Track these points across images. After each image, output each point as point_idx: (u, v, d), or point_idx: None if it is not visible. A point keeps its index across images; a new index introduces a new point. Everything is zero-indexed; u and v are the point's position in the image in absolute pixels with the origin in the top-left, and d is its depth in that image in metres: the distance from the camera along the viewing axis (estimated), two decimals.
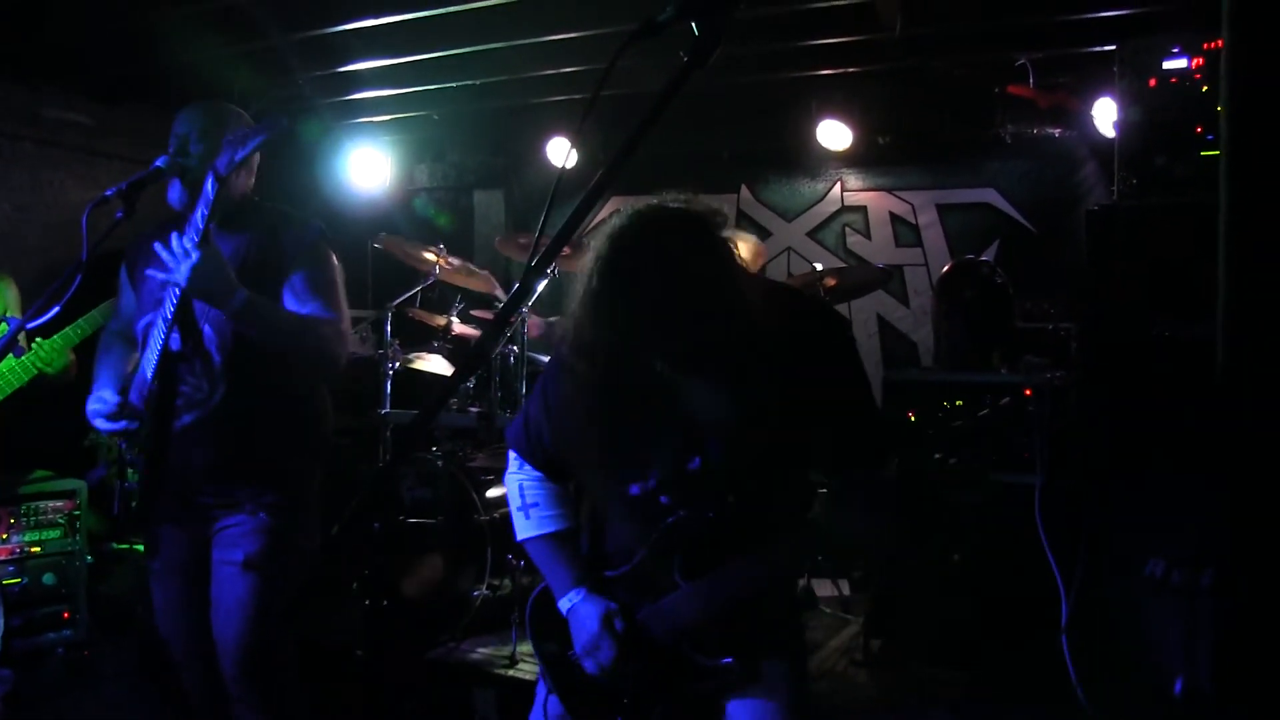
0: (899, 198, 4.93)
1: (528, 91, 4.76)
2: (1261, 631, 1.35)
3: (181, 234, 2.11)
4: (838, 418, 1.65)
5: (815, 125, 4.59)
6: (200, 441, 2.21)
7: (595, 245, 1.55)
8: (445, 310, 4.32)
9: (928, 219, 4.85)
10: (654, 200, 1.59)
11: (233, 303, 2.07)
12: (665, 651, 1.70)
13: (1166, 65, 2.85)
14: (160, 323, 2.17)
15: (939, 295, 3.75)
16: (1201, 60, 2.79)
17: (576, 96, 4.71)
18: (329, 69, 4.46)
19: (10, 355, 3.07)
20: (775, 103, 4.74)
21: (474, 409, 3.97)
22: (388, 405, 3.98)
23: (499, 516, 3.55)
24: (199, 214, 2.07)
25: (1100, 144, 4.13)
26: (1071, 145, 4.42)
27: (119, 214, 2.11)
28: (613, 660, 1.68)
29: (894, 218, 4.94)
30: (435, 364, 4.15)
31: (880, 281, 4.39)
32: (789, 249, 5.17)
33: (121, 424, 2.22)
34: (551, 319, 4.25)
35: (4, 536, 3.42)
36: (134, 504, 2.26)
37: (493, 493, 3.64)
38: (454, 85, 4.60)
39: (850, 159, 4.91)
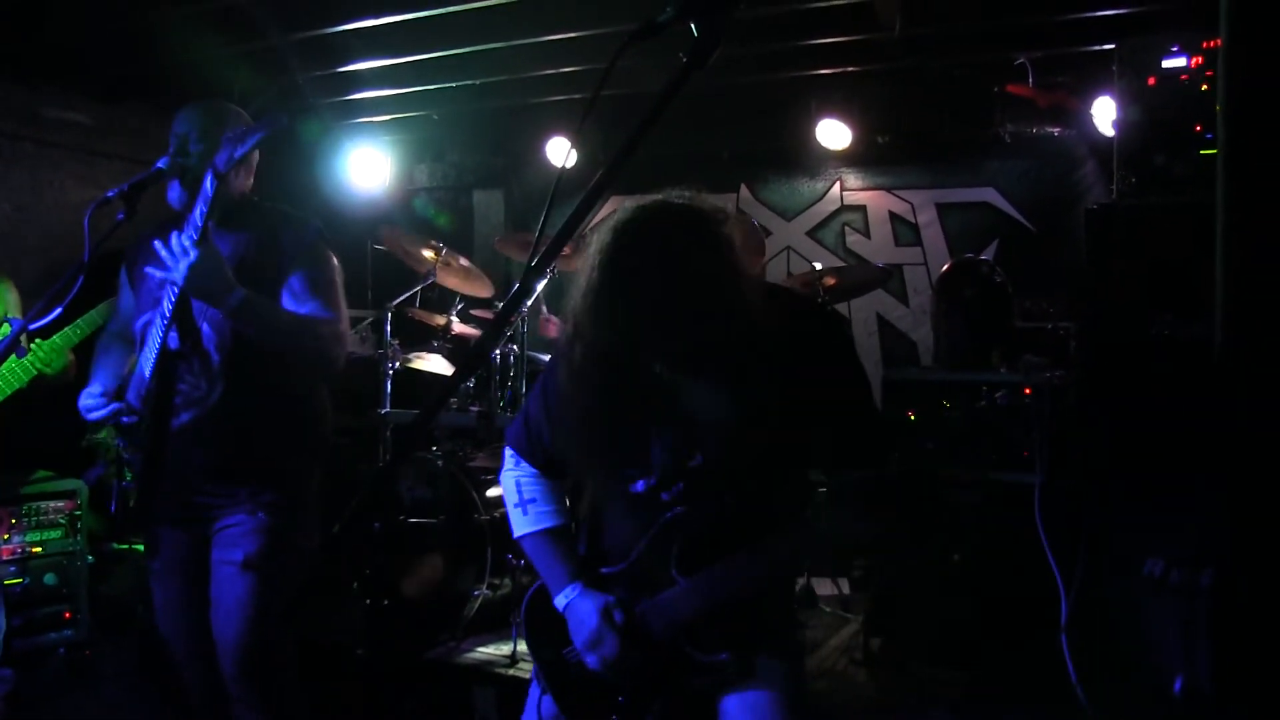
0: (898, 197, 4.93)
1: (527, 91, 4.76)
2: (1260, 631, 1.35)
3: (180, 233, 2.11)
4: (837, 417, 1.66)
5: (814, 125, 4.59)
6: (198, 440, 2.21)
7: (598, 238, 1.55)
8: (445, 310, 4.32)
9: (927, 218, 4.85)
10: (659, 196, 1.59)
11: (230, 301, 2.07)
12: (662, 647, 1.70)
13: (1166, 64, 2.85)
14: (159, 321, 2.17)
15: (938, 294, 3.75)
16: (1201, 59, 2.79)
17: (576, 96, 4.71)
18: (329, 69, 4.47)
19: (12, 356, 3.07)
20: (775, 102, 4.74)
21: (474, 408, 3.98)
22: (388, 405, 3.98)
23: (499, 516, 3.55)
24: (198, 211, 2.07)
25: (1099, 143, 4.13)
26: (1071, 144, 4.42)
27: (120, 215, 2.11)
28: (616, 654, 1.68)
29: (893, 217, 4.94)
30: (435, 364, 4.15)
31: (880, 281, 4.39)
32: (788, 248, 5.17)
33: (110, 408, 2.22)
34: None
35: (5, 537, 3.43)
36: (132, 502, 2.27)
37: (493, 492, 3.65)
38: (454, 85, 4.60)
39: (850, 158, 4.91)
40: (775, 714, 1.66)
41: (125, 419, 2.24)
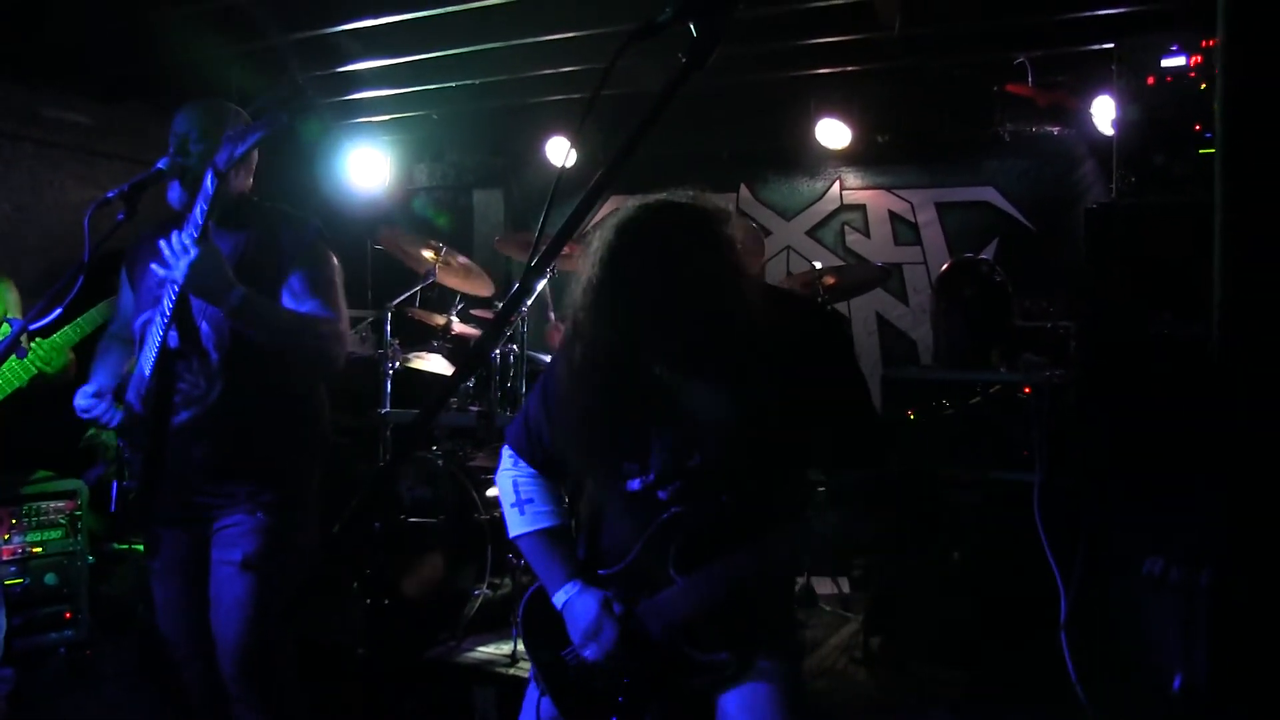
0: (898, 196, 4.93)
1: (527, 91, 4.76)
2: (1257, 629, 1.35)
3: (181, 231, 2.11)
4: (836, 417, 1.66)
5: (814, 124, 4.60)
6: (198, 438, 2.21)
7: (600, 236, 1.55)
8: (445, 310, 4.32)
9: (927, 217, 4.85)
10: (661, 195, 1.59)
11: (230, 299, 2.07)
12: (660, 647, 1.70)
13: (1165, 63, 2.85)
14: (158, 320, 2.17)
15: (938, 293, 3.75)
16: (1200, 58, 2.79)
17: (575, 96, 4.71)
18: (328, 69, 4.47)
19: (12, 356, 3.07)
20: (774, 102, 4.74)
21: (474, 408, 3.98)
22: (388, 405, 3.99)
23: (499, 516, 3.55)
24: (198, 210, 2.07)
25: (1099, 142, 4.14)
26: (1070, 143, 4.42)
27: (120, 215, 2.11)
28: (614, 643, 1.68)
29: (893, 216, 4.94)
30: (435, 363, 4.16)
31: (879, 280, 4.39)
32: (788, 247, 5.17)
33: (102, 407, 2.21)
34: None
35: (6, 537, 3.43)
36: (131, 499, 2.26)
37: (493, 492, 3.65)
38: (453, 85, 4.60)
39: (849, 158, 4.92)
40: (774, 713, 1.66)
41: (117, 419, 2.24)
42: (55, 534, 3.56)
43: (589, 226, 1.72)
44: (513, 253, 4.65)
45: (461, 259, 4.19)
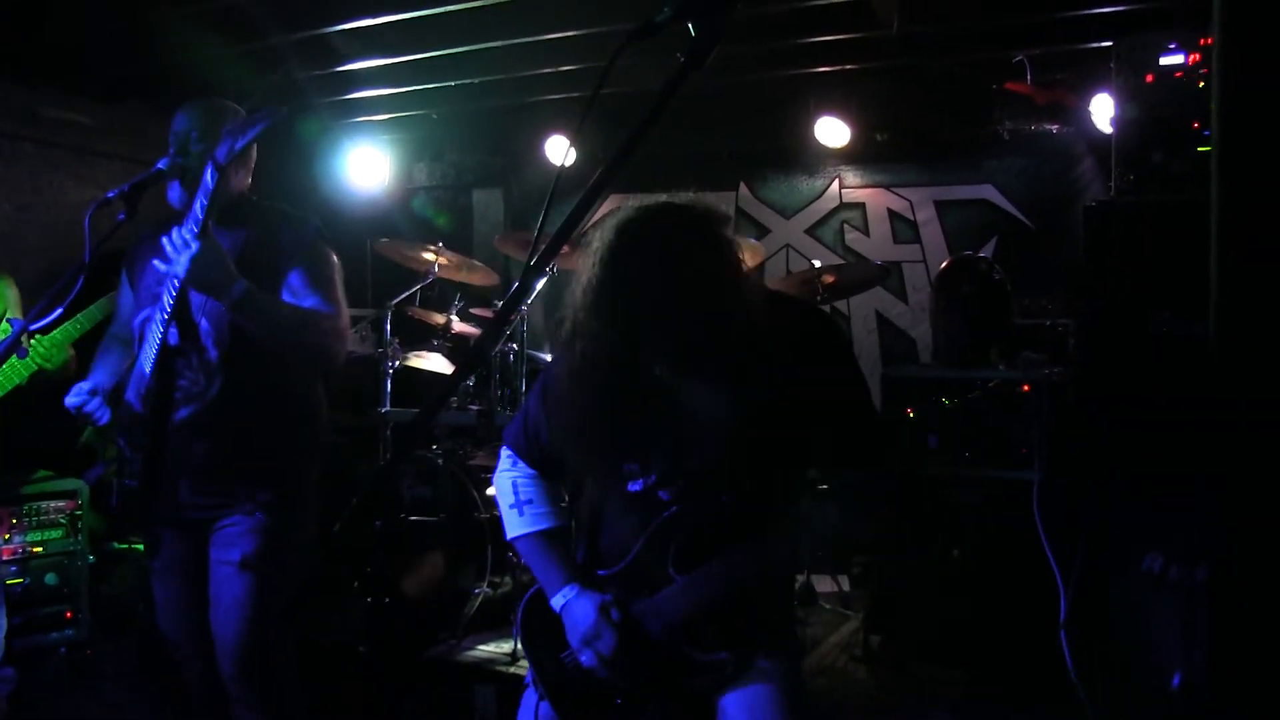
0: (897, 194, 4.93)
1: (526, 90, 4.76)
2: (1258, 628, 1.35)
3: (181, 227, 2.11)
4: (835, 417, 1.66)
5: (813, 123, 4.60)
6: (198, 435, 2.21)
7: (599, 237, 1.55)
8: (445, 308, 4.32)
9: (926, 216, 4.86)
10: (661, 196, 1.60)
11: (232, 293, 2.07)
12: (659, 647, 1.70)
13: (1163, 61, 2.85)
14: (158, 317, 2.17)
15: (937, 292, 3.75)
16: (1198, 56, 2.79)
17: (575, 95, 4.71)
18: (328, 68, 4.47)
19: (14, 356, 3.07)
20: (773, 100, 4.74)
21: (474, 407, 3.98)
22: (387, 404, 3.99)
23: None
24: (198, 204, 2.06)
25: (1098, 140, 4.14)
26: (1069, 142, 4.43)
27: (121, 215, 2.11)
28: (613, 649, 1.68)
29: (892, 214, 4.94)
30: (435, 362, 4.16)
31: (879, 278, 4.39)
32: (787, 246, 5.17)
33: (93, 402, 2.21)
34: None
35: (6, 537, 3.43)
36: (132, 497, 2.26)
37: (493, 490, 3.65)
38: (452, 84, 4.60)
39: (848, 156, 4.92)
40: (774, 712, 1.66)
41: (106, 417, 2.23)
42: (56, 534, 3.56)
43: (588, 226, 1.72)
44: (512, 252, 4.66)
45: (459, 258, 4.20)
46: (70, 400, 2.24)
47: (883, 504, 1.63)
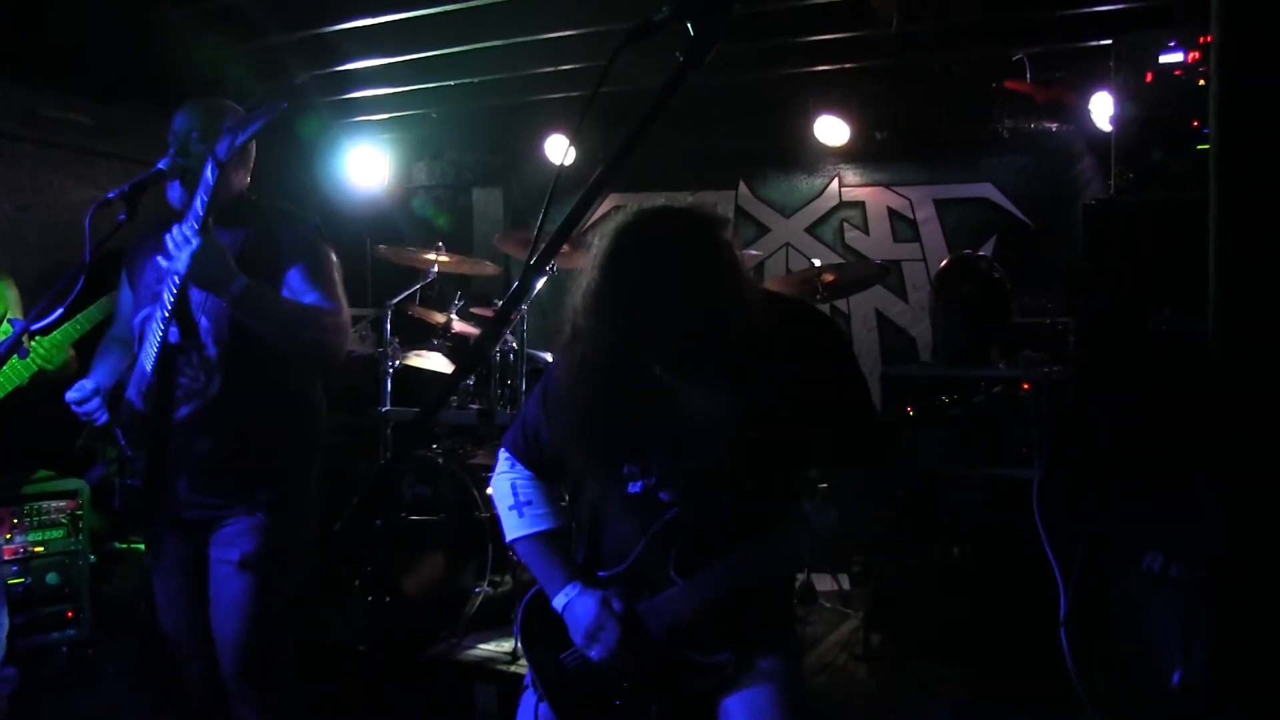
0: (897, 193, 4.93)
1: (525, 89, 4.76)
2: (1258, 626, 1.36)
3: (181, 224, 2.11)
4: (836, 418, 1.67)
5: (813, 121, 4.60)
6: (199, 433, 2.21)
7: (599, 241, 1.56)
8: (445, 308, 4.32)
9: (925, 214, 4.86)
10: (660, 201, 1.60)
11: (233, 289, 2.07)
12: (660, 649, 1.70)
13: (1163, 59, 2.85)
14: (158, 315, 2.17)
15: (937, 290, 3.75)
16: (1198, 54, 2.79)
17: (574, 94, 4.71)
18: (327, 68, 4.47)
19: (15, 357, 3.07)
20: (773, 99, 4.74)
21: (474, 406, 3.98)
22: (388, 403, 3.99)
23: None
24: (199, 201, 2.06)
25: (1097, 138, 4.14)
26: (1069, 140, 4.43)
27: (121, 215, 2.11)
28: (617, 639, 1.69)
29: (892, 213, 4.94)
30: (435, 361, 4.16)
31: (878, 277, 4.40)
32: (787, 245, 5.17)
33: (94, 401, 2.21)
34: None
35: (8, 536, 3.43)
36: (135, 496, 2.26)
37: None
38: (452, 83, 4.60)
39: (848, 155, 4.92)
40: (776, 711, 1.67)
41: (104, 418, 2.23)
42: (57, 533, 3.56)
43: (588, 225, 1.72)
44: (512, 250, 4.66)
45: (459, 257, 4.21)
46: (71, 395, 2.23)
47: (883, 504, 1.63)
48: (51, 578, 3.51)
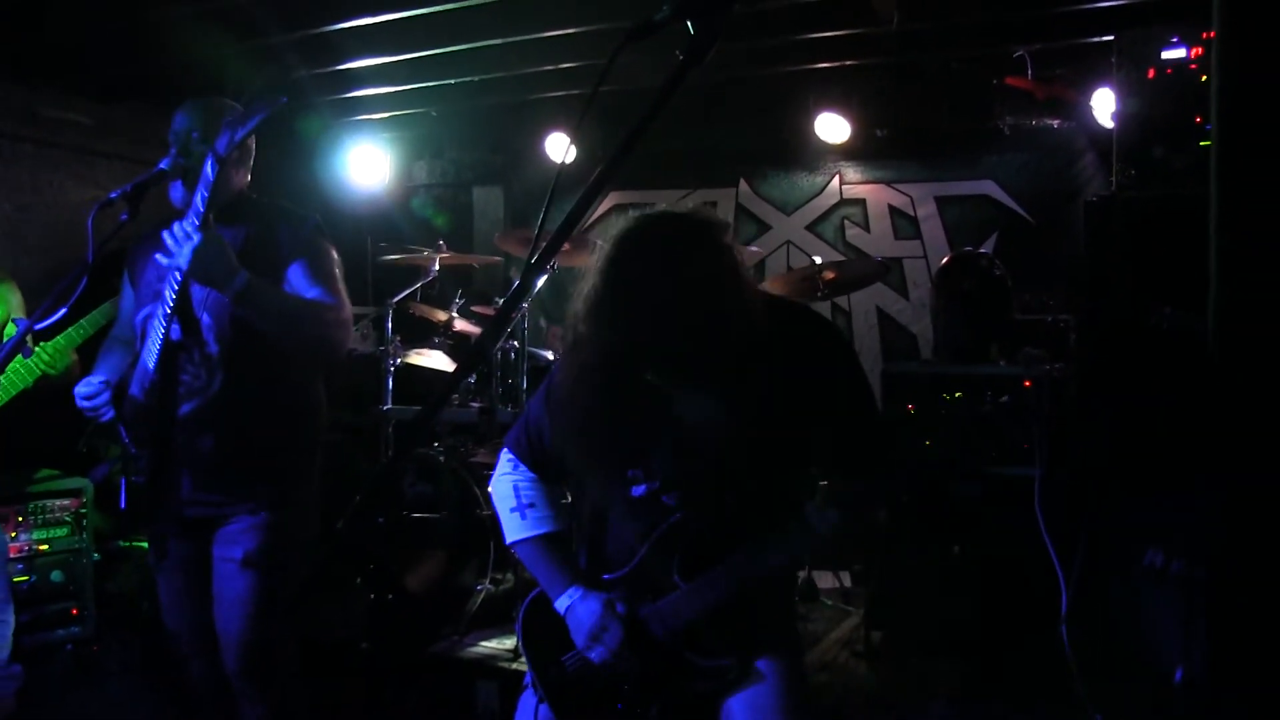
0: (897, 190, 4.93)
1: (526, 88, 4.76)
2: (1259, 623, 1.36)
3: (182, 221, 2.11)
4: (837, 420, 1.67)
5: (813, 119, 4.60)
6: (202, 430, 2.21)
7: (601, 247, 1.56)
8: (446, 306, 4.33)
9: (926, 211, 4.86)
10: (660, 206, 1.61)
11: (235, 284, 2.06)
12: (662, 652, 1.71)
13: (1165, 55, 2.84)
14: (160, 312, 2.17)
15: (938, 287, 3.75)
16: (1200, 50, 2.78)
17: (574, 92, 4.71)
18: (328, 67, 4.47)
19: (18, 357, 3.08)
20: (773, 97, 4.74)
21: (475, 404, 3.99)
22: (389, 401, 4.00)
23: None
24: (199, 196, 2.05)
25: (1099, 135, 4.13)
26: (1070, 137, 4.42)
27: (124, 216, 2.11)
28: (620, 640, 1.69)
29: (893, 210, 4.94)
30: (436, 359, 4.16)
31: (879, 274, 4.39)
32: (788, 242, 5.17)
33: (103, 397, 2.21)
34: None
35: (13, 535, 3.44)
36: (140, 494, 2.27)
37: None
38: (452, 82, 4.60)
39: (848, 152, 4.92)
40: (777, 710, 1.67)
41: (109, 415, 2.23)
42: (61, 532, 3.57)
43: (589, 223, 1.72)
44: (513, 249, 4.66)
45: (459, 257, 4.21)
46: (81, 389, 2.23)
47: (883, 504, 1.64)
48: (56, 576, 3.52)
